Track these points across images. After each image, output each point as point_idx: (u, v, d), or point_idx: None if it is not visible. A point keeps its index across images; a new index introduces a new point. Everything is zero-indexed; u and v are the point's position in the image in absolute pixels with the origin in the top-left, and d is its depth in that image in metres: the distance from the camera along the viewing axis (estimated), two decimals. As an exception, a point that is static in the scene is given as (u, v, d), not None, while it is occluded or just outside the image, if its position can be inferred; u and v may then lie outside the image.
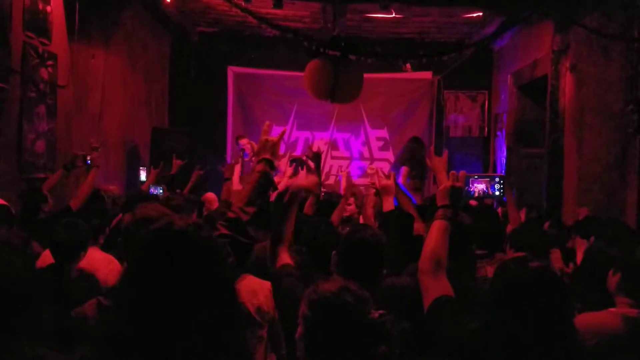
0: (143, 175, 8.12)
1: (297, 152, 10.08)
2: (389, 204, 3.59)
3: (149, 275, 1.29)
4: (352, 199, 6.18)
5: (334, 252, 2.43)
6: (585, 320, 2.41)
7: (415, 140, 8.27)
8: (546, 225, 5.17)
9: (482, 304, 1.84)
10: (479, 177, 3.65)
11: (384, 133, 10.25)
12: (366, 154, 10.33)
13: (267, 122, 2.44)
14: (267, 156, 2.27)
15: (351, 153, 10.24)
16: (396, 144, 10.15)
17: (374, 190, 4.44)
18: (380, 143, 10.28)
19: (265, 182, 2.25)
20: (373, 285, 2.07)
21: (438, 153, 2.87)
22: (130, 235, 2.29)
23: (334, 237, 2.84)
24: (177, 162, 5.65)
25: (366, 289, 1.66)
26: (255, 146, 2.44)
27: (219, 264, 1.36)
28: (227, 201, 4.68)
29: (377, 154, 10.30)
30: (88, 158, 4.76)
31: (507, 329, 1.67)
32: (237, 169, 5.71)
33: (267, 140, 2.30)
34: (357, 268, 2.24)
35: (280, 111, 10.13)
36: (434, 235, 1.99)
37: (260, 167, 2.26)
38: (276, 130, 9.75)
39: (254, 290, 2.99)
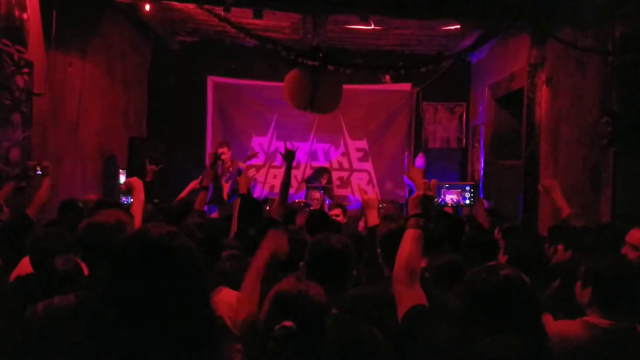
0: (122, 179, 8.01)
1: (277, 163, 10.07)
2: (373, 218, 3.57)
3: (120, 286, 1.24)
4: (339, 210, 6.24)
5: (301, 262, 2.43)
6: (556, 327, 2.43)
7: None
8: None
9: (456, 312, 1.85)
10: (451, 186, 3.67)
11: (363, 144, 10.27)
12: (345, 165, 10.35)
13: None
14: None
15: (330, 164, 10.24)
16: (376, 154, 10.20)
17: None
18: (360, 154, 10.30)
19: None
20: (341, 290, 2.07)
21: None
22: (81, 241, 2.29)
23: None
24: (151, 168, 5.18)
25: (334, 295, 1.66)
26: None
27: (195, 273, 1.30)
28: (200, 211, 4.62)
29: (356, 164, 10.32)
30: (38, 168, 4.65)
31: (476, 335, 1.67)
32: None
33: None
34: (323, 275, 2.23)
35: (260, 121, 10.12)
36: (408, 245, 1.99)
37: None
38: (256, 141, 9.80)
39: (231, 303, 2.95)
